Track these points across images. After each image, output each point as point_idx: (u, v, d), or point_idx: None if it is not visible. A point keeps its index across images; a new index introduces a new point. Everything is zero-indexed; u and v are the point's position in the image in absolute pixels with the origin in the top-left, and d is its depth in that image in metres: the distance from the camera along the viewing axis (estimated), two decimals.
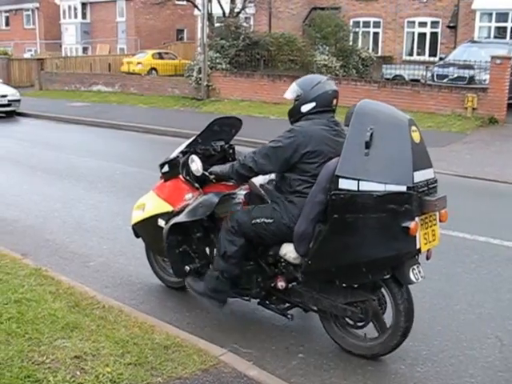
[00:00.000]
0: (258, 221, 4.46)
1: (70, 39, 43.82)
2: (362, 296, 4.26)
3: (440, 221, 4.21)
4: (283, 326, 4.88)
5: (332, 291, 4.34)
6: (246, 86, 21.30)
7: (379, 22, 29.59)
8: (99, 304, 4.90)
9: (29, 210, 8.32)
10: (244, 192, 4.89)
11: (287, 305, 4.73)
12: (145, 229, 5.44)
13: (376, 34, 29.96)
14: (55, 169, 11.25)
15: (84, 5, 43.42)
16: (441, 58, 21.67)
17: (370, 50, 27.52)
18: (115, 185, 9.77)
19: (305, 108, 4.45)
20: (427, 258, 4.28)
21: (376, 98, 18.30)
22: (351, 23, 29.21)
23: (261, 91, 20.86)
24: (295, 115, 4.54)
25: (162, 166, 5.28)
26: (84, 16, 43.69)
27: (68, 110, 21.39)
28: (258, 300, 4.85)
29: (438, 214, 4.15)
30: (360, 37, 29.76)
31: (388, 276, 4.12)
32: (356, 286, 4.29)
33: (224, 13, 25.31)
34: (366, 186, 3.87)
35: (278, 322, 4.93)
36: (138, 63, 31.92)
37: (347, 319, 4.41)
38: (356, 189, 3.89)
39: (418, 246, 3.93)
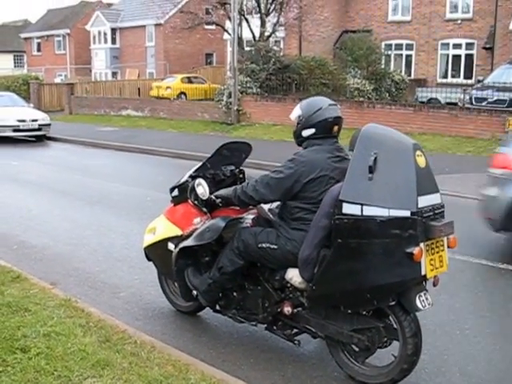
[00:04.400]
0: (263, 245, 4.48)
1: (100, 64, 44.27)
2: (368, 323, 4.17)
3: (449, 247, 4.12)
4: (325, 365, 4.58)
5: (338, 317, 4.26)
6: (277, 110, 21.14)
7: (412, 45, 29.36)
8: (131, 339, 4.67)
9: (58, 237, 8.17)
10: (252, 216, 4.89)
11: (294, 331, 4.63)
12: (155, 252, 5.46)
13: (409, 57, 29.72)
14: (85, 194, 11.11)
15: (114, 30, 43.88)
16: (479, 81, 21.18)
17: (403, 73, 27.25)
18: (146, 212, 9.55)
19: (305, 133, 4.47)
20: (434, 285, 4.14)
21: (412, 122, 18.09)
22: (383, 46, 29.03)
23: None
24: (297, 138, 4.58)
25: (172, 190, 5.31)
26: (113, 41, 44.15)
27: (97, 134, 21.41)
28: (265, 326, 4.78)
29: (446, 239, 4.06)
30: (392, 59, 29.52)
31: (393, 303, 4.01)
32: (362, 312, 4.21)
33: (254, 37, 25.29)
34: (369, 211, 3.83)
35: (318, 361, 4.64)
36: (167, 87, 31.99)
37: (354, 346, 4.28)
38: (359, 213, 3.86)
39: (423, 273, 3.85)
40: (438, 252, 3.99)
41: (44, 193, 11.42)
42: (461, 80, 27.72)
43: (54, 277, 6.52)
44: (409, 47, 29.57)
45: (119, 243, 7.87)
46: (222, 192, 4.84)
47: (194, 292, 5.04)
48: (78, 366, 4.08)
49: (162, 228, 5.32)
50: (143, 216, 9.33)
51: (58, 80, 43.31)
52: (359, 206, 3.85)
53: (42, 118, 20.85)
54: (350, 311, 4.20)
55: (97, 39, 44.75)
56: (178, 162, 15.55)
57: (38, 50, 50.96)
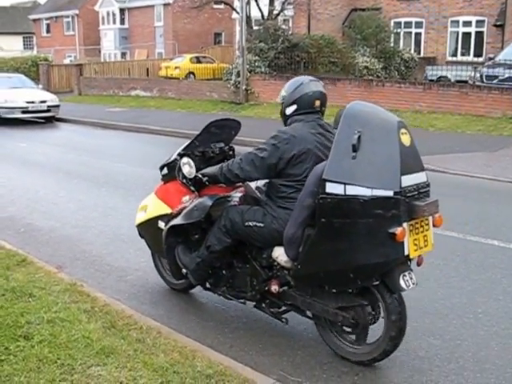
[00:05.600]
0: (250, 223, 4.49)
1: (109, 45, 44.07)
2: (353, 301, 4.17)
3: (434, 226, 4.08)
4: (333, 352, 4.47)
5: (324, 296, 4.26)
6: None
7: (421, 23, 28.90)
8: (136, 325, 4.58)
9: (65, 219, 8.09)
10: (239, 194, 4.92)
11: (282, 309, 4.66)
12: (147, 230, 5.51)
13: (418, 35, 29.27)
14: (92, 175, 11.03)
15: (122, 10, 43.63)
16: (490, 58, 20.85)
17: (412, 51, 26.88)
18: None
19: (288, 110, 4.49)
20: (418, 265, 4.15)
21: (422, 100, 17.87)
22: (392, 24, 28.61)
23: None
24: (283, 118, 4.62)
25: (161, 168, 5.33)
26: (122, 21, 43.90)
27: (106, 115, 21.33)
28: (254, 304, 4.83)
29: (431, 219, 4.03)
30: (402, 38, 29.12)
31: (377, 282, 4.01)
32: (348, 291, 4.18)
33: (263, 15, 25.01)
34: (352, 191, 3.77)
35: (327, 346, 4.52)
36: (176, 67, 31.77)
37: (341, 325, 4.33)
38: (342, 193, 3.80)
39: (406, 253, 3.80)
40: (422, 232, 3.95)
41: (51, 174, 11.34)
42: (471, 58, 27.32)
43: (60, 260, 6.45)
44: (418, 25, 29.12)
45: (126, 225, 7.75)
46: (209, 170, 4.87)
47: (184, 270, 5.08)
48: (81, 354, 3.98)
49: (153, 206, 5.36)
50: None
51: (67, 61, 43.14)
52: (342, 186, 3.79)
53: (51, 99, 20.75)
54: (334, 290, 4.19)
55: (105, 20, 44.51)
56: (184, 142, 15.43)
57: (47, 31, 50.79)
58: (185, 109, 21.93)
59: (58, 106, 20.71)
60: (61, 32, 48.88)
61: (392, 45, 25.87)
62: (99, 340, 4.20)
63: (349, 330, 4.31)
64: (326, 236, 3.95)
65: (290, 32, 26.66)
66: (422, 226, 3.95)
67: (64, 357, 3.94)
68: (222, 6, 34.10)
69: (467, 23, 27.71)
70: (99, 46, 44.86)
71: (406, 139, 3.80)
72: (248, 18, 23.14)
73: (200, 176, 4.89)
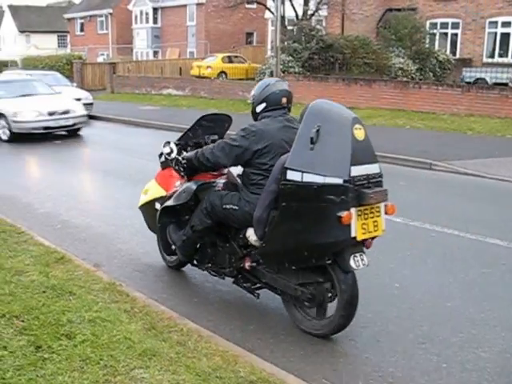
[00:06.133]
0: (227, 206, 5.00)
1: (142, 43, 44.30)
2: (311, 278, 4.59)
3: (386, 213, 4.45)
4: (378, 361, 4.36)
5: (287, 272, 4.71)
6: (319, 90, 20.79)
7: (458, 23, 28.46)
8: (177, 327, 4.53)
9: (101, 217, 8.09)
10: (223, 181, 5.39)
11: (257, 285, 5.11)
12: (146, 211, 6.18)
13: (454, 36, 28.82)
14: (127, 173, 11.03)
15: (155, 10, 43.80)
16: None
17: (448, 52, 26.50)
18: None
19: (258, 108, 4.98)
20: (366, 247, 4.46)
21: (460, 103, 17.60)
22: (428, 25, 28.23)
23: (335, 95, 20.26)
24: (253, 115, 5.08)
25: (160, 156, 5.86)
26: (155, 21, 44.08)
27: (139, 113, 21.38)
28: (233, 280, 5.29)
29: (383, 206, 4.40)
30: (437, 38, 28.73)
31: (329, 261, 4.41)
32: (307, 268, 4.59)
33: (297, 15, 24.88)
34: (308, 178, 4.22)
35: (371, 355, 4.43)
36: (208, 67, 31.79)
37: (304, 302, 4.69)
38: (300, 180, 4.25)
39: (353, 235, 4.17)
40: (372, 217, 4.32)
41: (86, 172, 11.40)
42: (508, 59, 26.82)
43: (97, 258, 6.43)
44: (455, 26, 28.68)
45: None
46: (189, 154, 5.40)
47: (173, 247, 5.76)
48: (124, 356, 3.93)
49: (152, 190, 6.01)
50: None
51: (100, 59, 43.50)
52: (300, 173, 4.25)
53: (85, 96, 20.85)
54: (293, 267, 4.63)
55: (138, 19, 44.74)
56: None
57: (81, 30, 51.26)
58: (217, 108, 21.84)
59: (91, 104, 20.79)
60: (94, 31, 49.30)
61: (427, 46, 25.51)
62: (141, 342, 4.15)
63: (308, 304, 4.69)
64: (286, 218, 4.42)
65: (324, 32, 26.51)
66: (371, 213, 4.32)
67: (106, 358, 3.89)
68: (254, 6, 34.04)
69: (506, 24, 27.15)
70: (131, 45, 45.12)
71: (359, 134, 4.20)
72: (282, 17, 23.01)
73: (180, 158, 5.43)
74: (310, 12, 25.10)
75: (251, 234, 4.81)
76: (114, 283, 5.37)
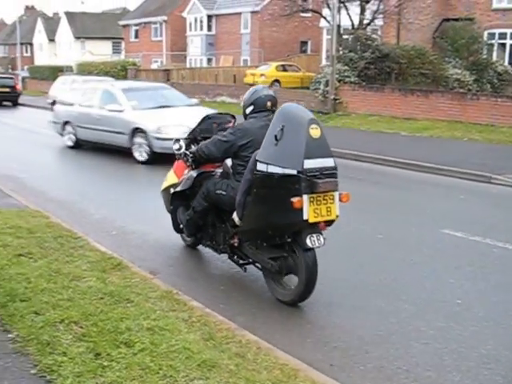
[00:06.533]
0: (218, 192, 6.03)
1: (195, 51, 44.65)
2: (279, 253, 5.44)
3: (341, 201, 5.24)
4: (441, 380, 4.20)
5: (262, 248, 5.60)
6: (374, 100, 20.58)
7: None
8: (235, 338, 4.46)
9: (157, 224, 8.07)
10: (220, 170, 6.33)
11: (245, 261, 5.99)
12: (165, 195, 7.13)
13: None
14: None
15: (210, 17, 44.11)
16: None
17: (506, 64, 25.89)
18: None
19: (247, 110, 5.94)
20: (320, 229, 5.19)
21: None
22: (486, 35, 27.66)
23: (391, 106, 20.08)
24: (244, 116, 6.01)
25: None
26: (209, 28, 44.39)
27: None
28: (228, 256, 6.17)
29: (337, 195, 5.19)
30: (495, 49, 28.11)
31: (289, 240, 5.31)
32: (276, 245, 5.44)
33: (353, 24, 24.68)
34: (271, 169, 5.04)
35: (434, 373, 4.26)
36: (262, 75, 31.82)
37: (274, 273, 5.53)
38: (266, 170, 5.08)
39: (305, 218, 4.98)
40: (325, 204, 5.12)
41: (143, 179, 11.45)
42: None
43: (153, 265, 6.43)
44: None
45: None
46: (193, 149, 6.39)
47: (181, 225, 6.87)
48: (183, 366, 3.87)
49: (169, 178, 7.00)
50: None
51: (154, 66, 44.06)
52: (266, 165, 5.07)
53: None
54: (265, 244, 5.54)
55: (193, 26, 45.12)
56: None
57: (136, 36, 51.99)
58: None
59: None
60: (148, 37, 49.93)
61: (485, 56, 24.97)
62: (199, 352, 4.08)
63: (277, 275, 5.53)
64: (256, 202, 5.30)
65: (380, 42, 26.25)
66: (325, 200, 5.12)
67: (166, 367, 3.84)
68: (309, 15, 33.91)
69: None
70: (185, 52, 45.54)
71: (315, 133, 4.99)
72: (338, 26, 22.86)
73: (187, 152, 6.40)
74: (365, 21, 24.88)
75: (235, 216, 5.68)
76: (171, 291, 5.33)
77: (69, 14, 63.18)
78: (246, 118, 5.97)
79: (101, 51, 56.65)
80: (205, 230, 6.49)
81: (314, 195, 5.00)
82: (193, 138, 6.69)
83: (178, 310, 4.91)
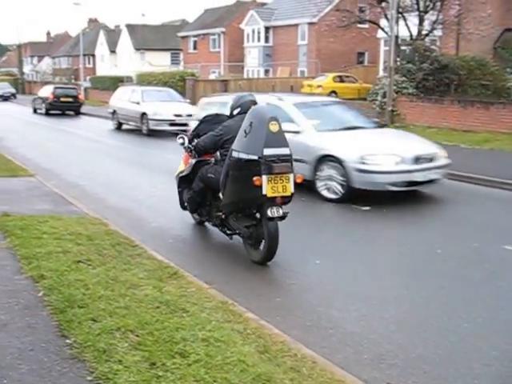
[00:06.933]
0: (209, 175, 7.55)
1: (253, 62, 44.93)
2: (250, 222, 6.92)
3: (296, 182, 6.63)
4: None
5: (239, 219, 7.06)
6: (433, 112, 20.25)
7: None
8: (290, 352, 4.40)
9: (212, 233, 8.13)
10: (214, 159, 7.67)
11: (232, 232, 7.38)
12: (177, 180, 8.62)
13: None
14: None
15: (267, 29, 44.36)
16: None
17: None
18: (296, 219, 9.34)
19: (235, 112, 7.50)
20: (277, 203, 6.53)
21: None
22: None
23: (449, 117, 19.71)
24: (231, 116, 7.58)
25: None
26: (266, 39, 44.64)
27: None
28: (219, 228, 7.59)
29: (292, 176, 6.55)
30: None
31: (255, 211, 6.85)
32: (247, 215, 6.97)
33: (411, 35, 24.38)
34: (241, 155, 6.50)
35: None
36: (319, 86, 31.77)
37: (247, 238, 7.01)
38: (237, 156, 6.53)
39: (264, 193, 6.37)
40: (281, 183, 6.48)
41: None
42: None
43: (208, 274, 6.41)
44: None
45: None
46: (194, 142, 7.83)
47: (185, 204, 8.36)
48: (238, 379, 3.83)
49: (180, 166, 8.58)
50: (295, 221, 9.09)
51: (211, 77, 44.48)
52: (237, 153, 6.53)
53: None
54: (240, 215, 7.03)
55: (250, 37, 45.45)
56: None
57: (194, 47, 52.73)
58: None
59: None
60: (207, 49, 50.54)
61: None
62: (254, 365, 4.04)
63: (249, 240, 6.96)
64: (231, 181, 6.72)
65: (439, 53, 25.85)
66: (281, 180, 6.48)
67: (221, 380, 3.80)
68: (366, 26, 33.67)
69: None
70: (242, 63, 45.85)
71: (273, 128, 6.39)
72: (396, 37, 22.61)
73: (190, 146, 7.90)
74: (424, 32, 24.54)
75: (220, 194, 7.14)
76: (227, 302, 5.31)
77: (130, 27, 64.54)
78: (231, 117, 7.54)
79: (160, 62, 57.60)
80: (203, 207, 8.00)
81: (272, 176, 6.41)
82: (196, 134, 8.09)
83: (234, 321, 4.88)
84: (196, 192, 7.81)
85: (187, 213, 8.57)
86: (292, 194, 6.56)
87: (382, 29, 26.74)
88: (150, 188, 11.47)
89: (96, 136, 21.43)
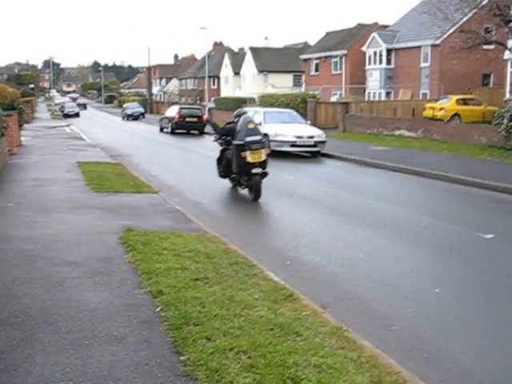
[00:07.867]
0: (228, 156, 13.00)
1: (374, 84, 44.47)
2: (246, 178, 12.39)
3: (267, 153, 12.36)
4: None
5: (243, 177, 12.54)
6: None
7: None
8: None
9: (330, 257, 8.02)
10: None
11: (244, 185, 12.77)
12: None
13: None
14: (357, 214, 10.94)
15: (389, 51, 43.79)
16: None
17: None
18: (420, 238, 9.05)
19: (236, 119, 13.03)
20: (256, 165, 11.98)
21: None
22: None
23: None
24: (235, 118, 13.33)
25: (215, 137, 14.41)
26: (388, 62, 44.05)
27: (370, 153, 21.24)
28: (237, 184, 13.20)
29: (264, 151, 12.16)
30: None
31: (246, 172, 12.19)
32: (244, 174, 12.39)
33: None
34: (235, 142, 12.32)
35: None
36: (441, 109, 30.88)
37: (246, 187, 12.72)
38: (235, 144, 12.31)
39: (248, 160, 11.94)
40: (258, 154, 12.01)
41: (317, 209, 11.47)
42: None
43: (324, 298, 6.32)
44: None
45: (392, 270, 7.47)
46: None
47: (221, 173, 13.66)
48: None
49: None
50: (417, 243, 8.85)
51: (333, 99, 44.45)
52: (235, 141, 12.29)
53: (318, 134, 21.35)
54: (242, 175, 12.47)
55: (372, 60, 45.06)
56: (453, 188, 14.63)
57: (316, 70, 52.96)
58: (451, 152, 21.02)
59: (324, 142, 21.24)
60: (328, 71, 50.59)
61: None
62: None
63: (248, 188, 12.43)
64: (234, 156, 12.37)
65: None
66: (256, 152, 11.98)
67: None
68: (492, 47, 32.45)
69: None
70: (364, 85, 45.48)
71: (250, 126, 12.33)
72: None
73: (218, 140, 13.87)
74: None
75: (233, 164, 12.53)
76: (341, 327, 5.21)
77: (253, 50, 66.06)
78: (233, 122, 13.08)
79: (282, 84, 58.35)
80: (230, 174, 13.13)
81: (251, 151, 11.92)
82: (222, 134, 13.64)
83: (347, 348, 4.77)
84: (224, 165, 13.25)
85: (303, 233, 8.50)
86: (265, 160, 12.12)
87: (509, 50, 25.69)
88: (269, 210, 11.56)
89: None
